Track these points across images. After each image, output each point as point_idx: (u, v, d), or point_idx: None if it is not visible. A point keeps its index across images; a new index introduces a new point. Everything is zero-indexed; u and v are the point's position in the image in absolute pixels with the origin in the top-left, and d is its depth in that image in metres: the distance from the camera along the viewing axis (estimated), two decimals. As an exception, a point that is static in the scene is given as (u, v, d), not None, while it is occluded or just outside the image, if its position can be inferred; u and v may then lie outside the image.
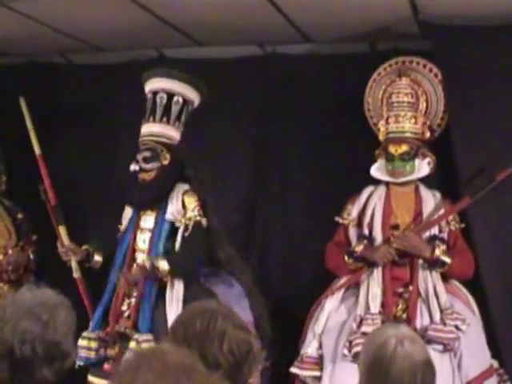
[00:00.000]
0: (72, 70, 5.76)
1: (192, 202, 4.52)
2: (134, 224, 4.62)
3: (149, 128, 4.57)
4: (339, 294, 4.48)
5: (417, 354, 2.49)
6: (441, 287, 4.34)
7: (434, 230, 4.44)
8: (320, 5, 4.44)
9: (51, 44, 5.41)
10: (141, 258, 4.54)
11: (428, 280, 4.35)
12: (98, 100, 5.48)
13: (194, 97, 4.64)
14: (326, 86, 5.17)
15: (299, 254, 5.25)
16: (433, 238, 4.41)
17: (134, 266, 4.54)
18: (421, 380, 2.46)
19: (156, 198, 4.55)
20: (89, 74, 5.40)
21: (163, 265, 4.34)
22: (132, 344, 4.31)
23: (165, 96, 4.55)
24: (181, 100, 4.57)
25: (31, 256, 5.26)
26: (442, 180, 4.68)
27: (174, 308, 4.32)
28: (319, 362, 4.35)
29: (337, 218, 4.64)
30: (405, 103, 4.55)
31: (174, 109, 4.56)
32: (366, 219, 4.51)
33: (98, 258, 4.72)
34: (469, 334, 4.21)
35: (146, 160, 4.51)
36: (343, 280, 4.53)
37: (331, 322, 4.39)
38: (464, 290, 4.50)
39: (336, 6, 4.44)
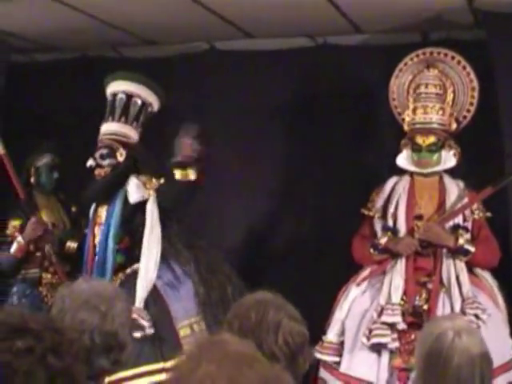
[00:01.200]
0: (123, 63, 5.76)
1: (148, 178, 4.61)
2: (93, 219, 4.71)
3: (107, 127, 4.69)
4: (365, 283, 4.51)
5: (474, 346, 2.46)
6: (465, 277, 4.32)
7: (458, 219, 4.45)
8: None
9: (103, 38, 5.47)
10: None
11: (451, 269, 4.34)
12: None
13: (152, 100, 4.74)
14: (377, 76, 5.14)
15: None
16: (456, 227, 4.41)
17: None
18: (479, 373, 2.42)
19: (107, 192, 4.65)
20: (140, 67, 5.42)
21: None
22: None
23: (124, 97, 4.67)
24: (139, 102, 4.68)
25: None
26: (465, 172, 4.65)
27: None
28: (339, 348, 4.40)
29: (362, 210, 4.65)
30: (433, 94, 4.52)
31: (133, 110, 4.67)
32: (391, 210, 4.52)
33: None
34: (489, 326, 4.17)
35: (102, 157, 4.62)
36: (368, 270, 4.55)
37: (355, 309, 4.43)
38: (490, 282, 4.46)
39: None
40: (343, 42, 5.28)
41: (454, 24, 4.79)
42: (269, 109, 5.46)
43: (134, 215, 4.58)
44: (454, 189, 4.51)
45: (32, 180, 5.23)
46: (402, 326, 4.22)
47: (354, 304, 4.45)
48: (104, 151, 4.61)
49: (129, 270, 4.57)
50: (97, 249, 4.62)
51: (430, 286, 4.35)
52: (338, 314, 4.47)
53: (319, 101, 5.40)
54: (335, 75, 5.32)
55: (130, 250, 4.58)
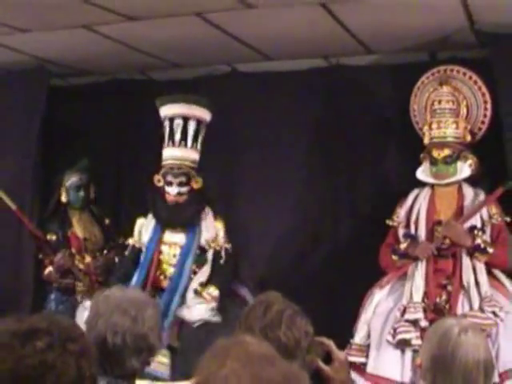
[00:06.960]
0: (152, 86, 6.00)
1: (221, 229, 4.96)
2: (158, 238, 4.96)
3: (179, 152, 4.85)
4: (388, 286, 4.67)
5: (479, 342, 2.50)
6: (484, 278, 4.45)
7: (476, 222, 4.58)
8: (380, 18, 4.57)
9: (132, 62, 5.67)
10: (170, 270, 4.93)
11: (470, 271, 4.46)
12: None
13: (206, 116, 4.92)
14: (389, 94, 5.32)
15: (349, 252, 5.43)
16: (472, 229, 4.54)
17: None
18: (483, 368, 2.45)
19: (191, 220, 4.91)
20: (167, 89, 5.60)
21: (215, 291, 4.78)
22: None
23: (181, 121, 4.83)
24: (194, 123, 4.86)
25: (116, 259, 5.57)
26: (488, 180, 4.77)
27: None
28: (365, 350, 4.53)
29: (388, 221, 4.83)
30: (446, 110, 4.70)
31: (190, 132, 4.85)
32: (413, 218, 4.71)
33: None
34: (508, 326, 4.29)
35: (181, 184, 4.85)
36: (391, 274, 4.71)
37: (379, 309, 4.59)
38: (507, 284, 4.55)
39: (395, 18, 4.55)
40: (355, 63, 5.41)
41: (459, 44, 4.90)
42: (289, 127, 5.61)
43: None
44: (471, 195, 4.66)
45: (63, 198, 5.55)
46: (424, 323, 4.33)
47: (379, 305, 4.61)
48: (183, 179, 4.83)
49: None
50: (166, 266, 4.93)
51: (449, 288, 4.47)
52: (364, 317, 4.63)
53: (334, 118, 5.55)
54: (348, 94, 5.47)
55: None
